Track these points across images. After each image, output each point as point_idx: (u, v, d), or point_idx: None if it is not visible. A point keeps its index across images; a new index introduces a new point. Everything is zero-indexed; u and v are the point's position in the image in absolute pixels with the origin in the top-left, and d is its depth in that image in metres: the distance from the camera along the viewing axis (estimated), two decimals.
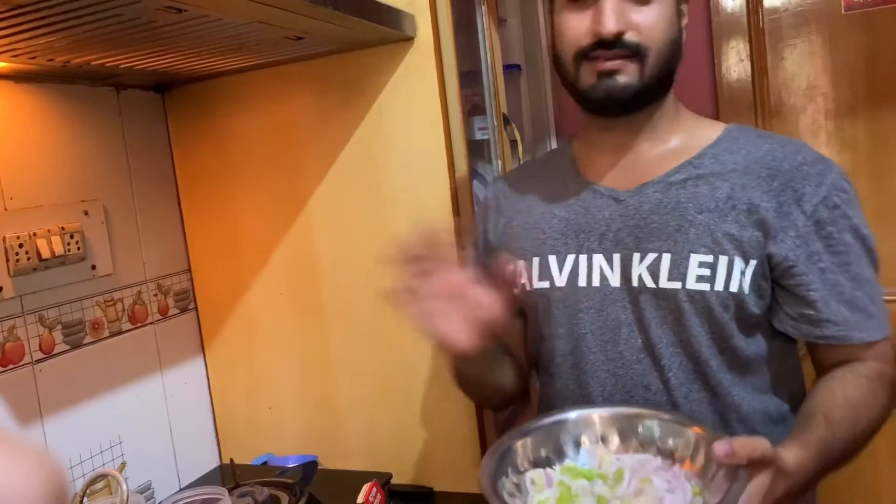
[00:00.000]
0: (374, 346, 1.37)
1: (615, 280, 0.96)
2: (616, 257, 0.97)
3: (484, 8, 1.45)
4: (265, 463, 1.43)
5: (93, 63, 1.10)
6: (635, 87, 0.93)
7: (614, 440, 0.87)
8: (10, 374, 1.13)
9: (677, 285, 0.92)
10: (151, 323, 1.40)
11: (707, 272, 0.91)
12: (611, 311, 0.97)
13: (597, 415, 0.88)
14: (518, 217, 1.07)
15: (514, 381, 1.12)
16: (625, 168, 1.00)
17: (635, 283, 0.95)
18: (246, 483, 1.22)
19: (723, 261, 0.91)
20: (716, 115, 2.06)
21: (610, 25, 0.90)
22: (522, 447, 0.86)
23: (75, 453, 1.22)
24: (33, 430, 1.16)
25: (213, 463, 1.53)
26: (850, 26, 1.93)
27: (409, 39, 1.24)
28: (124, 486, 0.91)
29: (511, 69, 2.00)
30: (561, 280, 1.00)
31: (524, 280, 1.04)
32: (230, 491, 1.15)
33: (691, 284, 0.91)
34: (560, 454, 0.86)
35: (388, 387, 1.37)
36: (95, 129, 1.30)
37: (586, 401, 0.98)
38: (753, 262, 0.91)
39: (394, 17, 1.18)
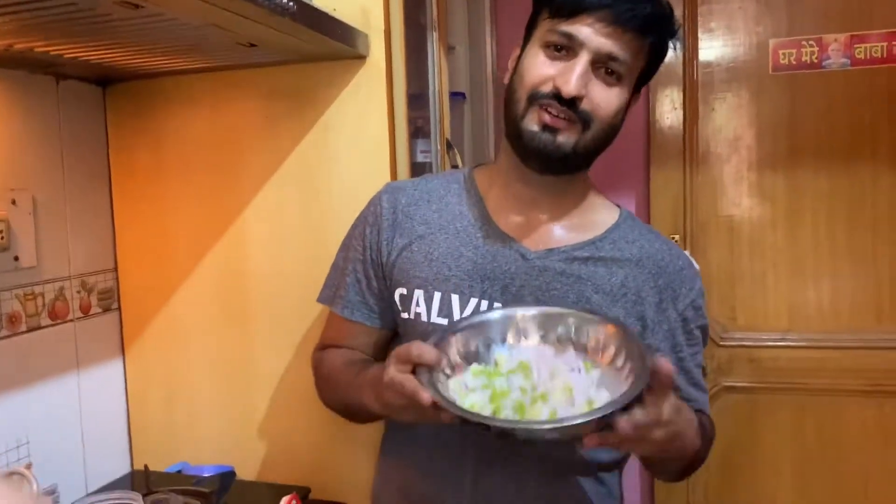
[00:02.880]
0: (299, 358, 1.36)
1: None
2: None
3: (435, 34, 1.48)
4: (180, 471, 1.40)
5: (36, 50, 1.07)
6: (568, 151, 0.97)
7: (534, 336, 0.94)
8: None
9: None
10: (72, 320, 1.36)
11: None
12: None
13: (519, 314, 0.96)
14: (419, 243, 1.07)
15: None
16: (535, 228, 1.05)
17: None
18: (160, 490, 1.19)
19: None
20: (647, 158, 2.15)
21: (572, 88, 0.93)
22: (452, 345, 0.92)
23: None
24: None
25: (124, 469, 1.48)
26: (775, 86, 2.05)
27: (362, 58, 1.26)
28: (35, 486, 0.88)
29: (456, 96, 2.04)
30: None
31: (420, 310, 1.04)
32: (143, 497, 1.12)
33: None
34: (475, 354, 0.93)
35: (311, 400, 1.36)
36: (31, 118, 1.27)
37: (450, 440, 1.02)
38: None
39: (348, 35, 1.20)
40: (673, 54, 2.02)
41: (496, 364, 0.91)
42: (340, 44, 1.17)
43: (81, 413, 1.38)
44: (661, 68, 2.01)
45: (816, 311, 2.06)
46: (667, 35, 1.00)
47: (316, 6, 1.11)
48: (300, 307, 1.34)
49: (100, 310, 1.43)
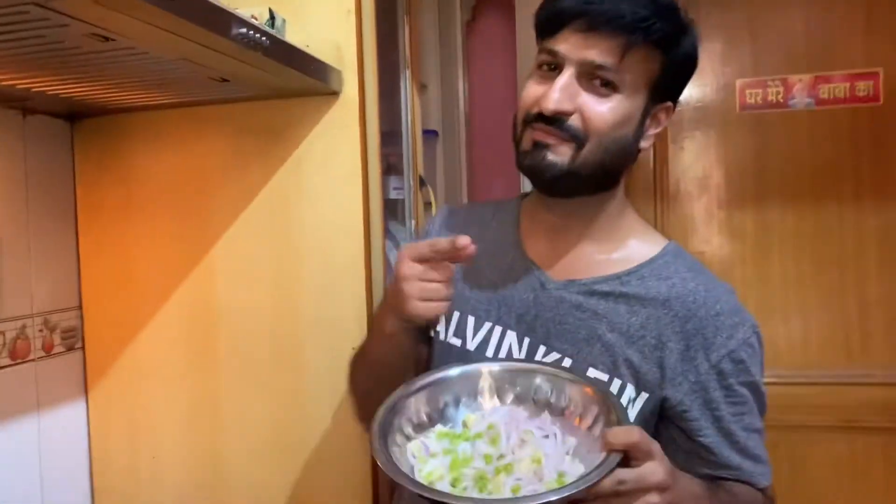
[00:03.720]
0: (269, 398, 1.33)
1: None
2: (525, 341, 0.98)
3: (408, 72, 1.49)
4: None
5: (2, 83, 1.05)
6: (562, 170, 0.92)
7: (509, 395, 0.88)
8: None
9: None
10: (33, 360, 1.31)
11: None
12: None
13: (486, 369, 0.90)
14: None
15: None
16: (559, 256, 1.01)
17: None
18: None
19: (616, 384, 0.93)
20: None
21: (549, 104, 0.90)
22: (411, 405, 0.86)
23: None
24: None
25: None
26: (743, 125, 2.09)
27: (335, 94, 1.26)
28: None
29: (428, 134, 2.05)
30: (472, 343, 1.01)
31: (440, 328, 1.04)
32: None
33: None
34: (442, 413, 0.87)
35: (281, 442, 1.33)
36: None
37: None
38: (645, 396, 0.93)
39: (321, 71, 1.19)
40: None
41: (464, 425, 0.86)
42: (313, 79, 1.17)
43: (41, 454, 1.33)
44: None
45: (787, 347, 2.07)
46: (671, 32, 0.92)
47: (289, 42, 1.11)
48: (270, 345, 1.31)
49: (63, 349, 1.39)
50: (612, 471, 0.72)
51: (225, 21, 0.88)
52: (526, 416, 0.85)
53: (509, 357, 0.97)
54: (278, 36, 1.07)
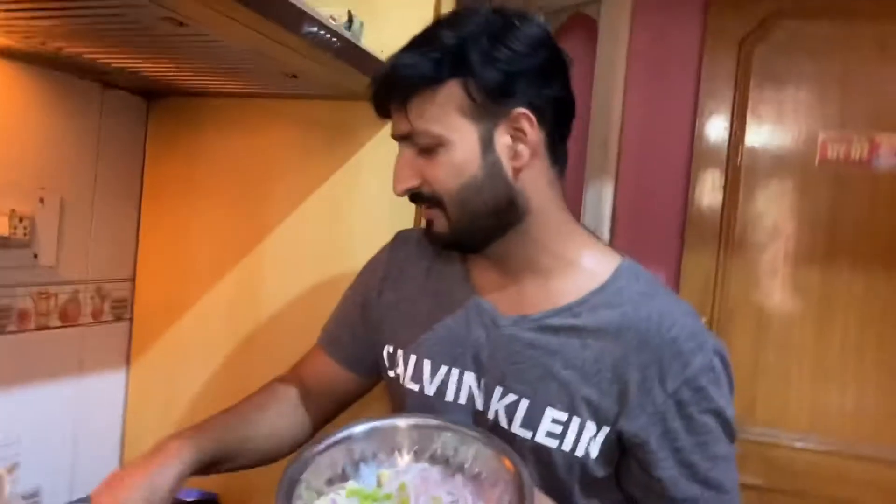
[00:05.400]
0: None
1: (479, 402, 0.95)
2: (483, 382, 0.95)
3: None
4: None
5: (84, 56, 1.10)
6: (448, 236, 0.92)
7: (424, 454, 0.85)
8: None
9: (528, 434, 0.90)
10: (82, 325, 1.35)
11: (558, 429, 0.89)
12: None
13: (395, 424, 0.87)
14: (404, 300, 1.05)
15: (291, 429, 1.10)
16: (507, 290, 0.96)
17: (491, 415, 0.93)
18: None
19: (575, 422, 0.89)
20: (682, 236, 2.12)
21: (396, 189, 0.91)
22: (325, 459, 0.84)
23: None
24: None
25: None
26: (821, 179, 2.02)
27: None
28: (6, 490, 0.87)
29: None
30: (430, 388, 0.98)
31: (399, 371, 1.02)
32: None
33: (540, 438, 0.90)
34: (353, 469, 0.85)
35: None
36: (72, 121, 1.29)
37: None
38: (606, 429, 0.88)
39: None
40: (718, 136, 2.04)
41: (378, 482, 0.83)
42: None
43: (77, 419, 1.37)
44: (706, 148, 1.97)
45: (839, 416, 1.98)
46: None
47: (362, 46, 1.11)
48: (305, 338, 1.32)
49: (111, 318, 1.43)
50: None
51: (296, 18, 0.89)
52: (439, 477, 0.83)
53: (470, 400, 0.95)
54: (352, 39, 1.08)
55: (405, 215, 1.27)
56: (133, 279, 1.47)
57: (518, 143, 0.88)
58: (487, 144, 0.87)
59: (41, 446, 1.29)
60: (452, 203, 0.89)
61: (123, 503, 0.83)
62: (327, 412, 1.13)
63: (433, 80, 0.86)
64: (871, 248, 1.97)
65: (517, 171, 0.89)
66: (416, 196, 0.92)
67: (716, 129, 2.10)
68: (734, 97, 2.08)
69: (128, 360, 1.47)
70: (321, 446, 0.85)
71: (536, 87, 0.88)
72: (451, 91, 0.86)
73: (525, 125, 0.87)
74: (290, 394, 1.11)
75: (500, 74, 0.86)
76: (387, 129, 1.27)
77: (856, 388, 1.97)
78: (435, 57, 0.86)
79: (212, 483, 1.35)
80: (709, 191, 2.10)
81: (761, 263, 2.06)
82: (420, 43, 0.89)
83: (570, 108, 0.93)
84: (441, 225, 0.91)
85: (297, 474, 0.81)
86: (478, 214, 0.89)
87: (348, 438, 0.86)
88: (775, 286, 2.05)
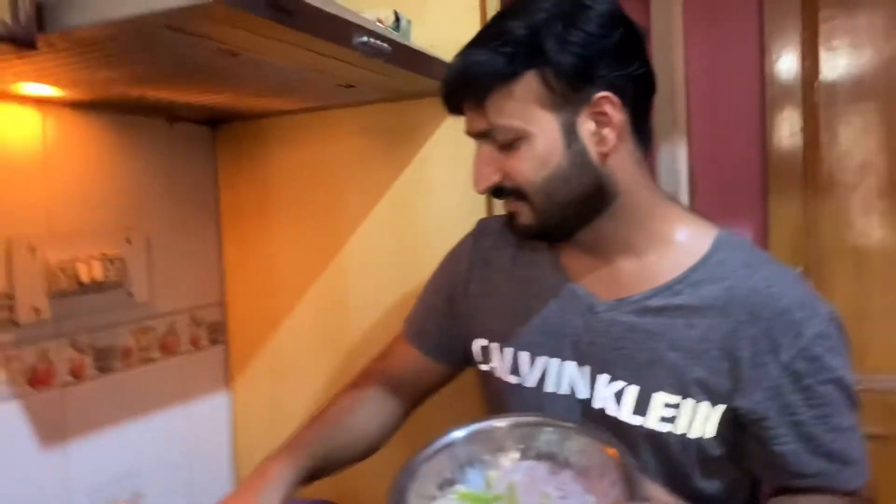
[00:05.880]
0: None
1: (582, 391, 0.93)
2: (586, 370, 0.93)
3: None
4: None
5: (148, 96, 1.13)
6: (534, 227, 0.90)
7: (512, 454, 0.85)
8: (40, 395, 1.13)
9: (639, 421, 0.88)
10: (182, 353, 1.40)
11: (671, 413, 0.87)
12: None
13: (496, 426, 0.87)
14: (493, 291, 1.03)
15: (380, 429, 1.11)
16: (602, 273, 0.94)
17: (597, 404, 0.91)
18: None
19: (688, 404, 0.86)
20: (764, 187, 2.03)
21: (477, 187, 0.90)
22: (426, 471, 0.84)
23: (93, 480, 1.22)
24: (56, 454, 1.16)
25: None
26: None
27: None
28: None
29: None
30: (530, 381, 0.96)
31: (495, 364, 1.01)
32: None
33: (652, 424, 0.87)
34: (460, 473, 0.85)
35: (411, 436, 1.35)
36: (145, 159, 1.33)
37: None
38: (721, 408, 0.86)
39: (442, 70, 1.18)
40: (791, 74, 1.95)
41: (487, 484, 0.83)
42: (435, 80, 1.16)
43: (189, 445, 1.42)
44: (778, 89, 1.87)
45: None
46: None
47: (412, 45, 1.11)
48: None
49: (208, 343, 1.47)
50: None
51: (346, 31, 0.89)
52: (546, 474, 0.82)
53: (573, 390, 0.93)
54: (402, 40, 1.08)
55: (477, 205, 1.26)
56: (223, 302, 1.51)
57: (603, 128, 0.85)
58: (571, 133, 0.85)
59: (159, 475, 1.34)
60: (538, 195, 0.87)
61: None
62: (414, 402, 1.14)
63: (509, 76, 0.84)
64: None
65: (604, 156, 0.86)
66: (498, 191, 0.90)
67: (786, 68, 2.00)
68: (802, 31, 1.98)
69: (227, 381, 1.52)
70: (427, 453, 0.85)
71: (616, 68, 0.84)
72: (529, 83, 0.84)
73: (608, 109, 0.84)
74: (377, 390, 1.12)
75: (578, 59, 0.82)
76: (447, 123, 1.28)
77: None
78: (508, 51, 0.83)
79: (323, 489, 1.39)
80: (787, 135, 2.00)
81: (853, 203, 1.96)
82: (490, 38, 0.86)
83: (650, 83, 0.90)
84: (526, 217, 0.89)
85: (405, 483, 0.81)
86: (565, 204, 0.87)
87: (451, 444, 0.86)
88: (872, 224, 1.94)
